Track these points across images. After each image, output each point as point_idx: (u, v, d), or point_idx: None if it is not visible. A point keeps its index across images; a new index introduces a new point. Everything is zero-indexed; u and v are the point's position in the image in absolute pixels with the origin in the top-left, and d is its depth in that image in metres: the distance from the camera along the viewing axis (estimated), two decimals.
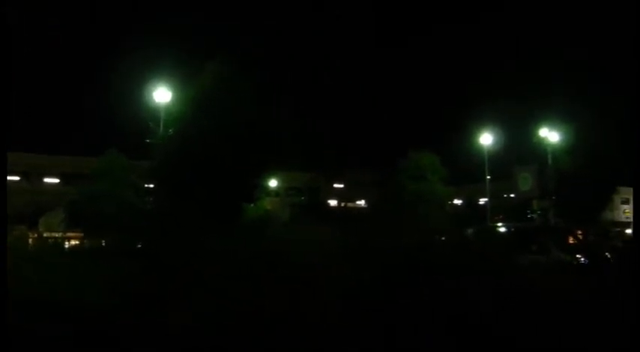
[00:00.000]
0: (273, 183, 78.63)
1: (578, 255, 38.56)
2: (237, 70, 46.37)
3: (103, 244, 35.16)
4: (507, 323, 13.06)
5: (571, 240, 49.85)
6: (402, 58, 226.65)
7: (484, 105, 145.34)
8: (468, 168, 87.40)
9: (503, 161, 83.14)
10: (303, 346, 12.41)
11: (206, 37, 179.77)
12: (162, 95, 52.21)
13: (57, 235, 55.26)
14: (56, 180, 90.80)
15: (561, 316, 13.45)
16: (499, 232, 40.02)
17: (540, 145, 74.06)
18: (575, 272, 22.53)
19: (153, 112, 51.99)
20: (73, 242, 49.83)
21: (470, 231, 35.07)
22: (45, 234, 55.53)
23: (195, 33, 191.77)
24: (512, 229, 42.12)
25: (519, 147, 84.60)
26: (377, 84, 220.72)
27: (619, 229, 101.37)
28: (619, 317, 13.54)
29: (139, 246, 24.98)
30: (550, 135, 73.27)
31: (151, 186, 57.88)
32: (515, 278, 16.41)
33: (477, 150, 77.07)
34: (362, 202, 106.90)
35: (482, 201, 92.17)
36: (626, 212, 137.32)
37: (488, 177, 77.04)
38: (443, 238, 25.09)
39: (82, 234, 55.61)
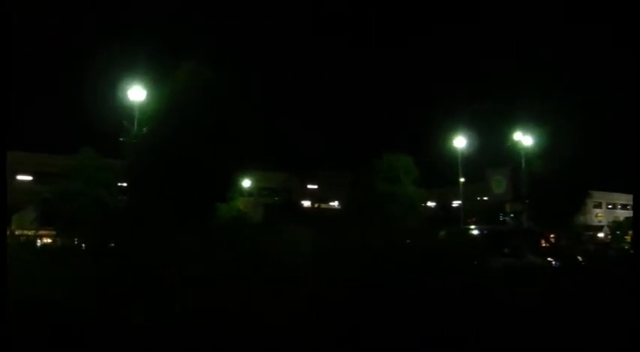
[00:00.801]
0: (246, 183, 78.40)
1: (550, 258, 38.70)
2: (212, 70, 46.20)
3: (76, 243, 34.95)
4: (478, 324, 13.12)
5: (543, 244, 50.09)
6: (378, 61, 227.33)
7: (459, 108, 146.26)
8: (442, 171, 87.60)
9: (478, 164, 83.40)
10: (281, 344, 12.42)
11: (181, 36, 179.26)
12: (136, 94, 51.85)
13: (29, 233, 54.90)
14: (29, 178, 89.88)
15: (532, 318, 13.53)
16: (472, 235, 39.99)
17: (514, 149, 74.22)
18: (548, 275, 22.60)
19: (127, 111, 51.61)
20: (45, 240, 49.52)
21: (442, 233, 35.09)
22: (17, 232, 55.16)
23: (170, 32, 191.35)
24: (485, 232, 42.14)
25: (493, 150, 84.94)
26: (352, 86, 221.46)
27: (591, 233, 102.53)
28: (589, 318, 13.63)
29: (112, 244, 24.89)
30: (524, 138, 73.49)
31: (125, 184, 57.60)
32: (487, 281, 16.50)
33: (451, 153, 77.15)
34: (335, 203, 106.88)
35: (455, 203, 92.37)
36: (598, 216, 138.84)
37: (462, 179, 77.08)
38: (415, 240, 25.13)
39: (54, 233, 55.20)
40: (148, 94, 51.01)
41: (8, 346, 10.93)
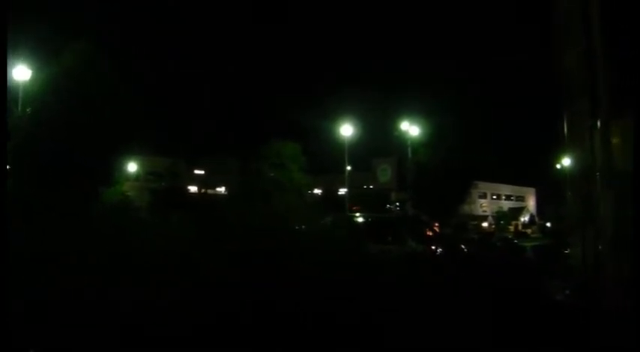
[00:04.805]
0: (133, 167, 77.43)
1: (433, 246, 38.95)
2: (98, 51, 45.20)
3: None
4: (353, 312, 12.82)
5: (428, 232, 50.62)
6: (267, 46, 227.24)
7: (348, 97, 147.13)
8: (329, 159, 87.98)
9: (365, 153, 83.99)
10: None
11: (68, 15, 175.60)
12: (21, 73, 50.13)
13: None
14: None
15: (408, 305, 13.31)
16: (356, 222, 39.96)
17: (401, 138, 74.81)
18: (427, 263, 22.60)
19: (11, 91, 49.98)
20: None
21: (327, 220, 34.86)
22: None
23: (56, 11, 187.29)
24: (370, 219, 42.16)
25: (381, 139, 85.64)
26: (241, 73, 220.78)
27: (476, 222, 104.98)
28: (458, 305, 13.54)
29: None
30: (411, 128, 74.16)
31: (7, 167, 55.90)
32: (364, 268, 16.28)
33: (338, 141, 77.28)
34: (222, 189, 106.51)
35: (342, 191, 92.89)
36: (483, 206, 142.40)
37: (349, 167, 77.36)
38: (298, 227, 24.92)
39: None
40: (33, 74, 49.49)
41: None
